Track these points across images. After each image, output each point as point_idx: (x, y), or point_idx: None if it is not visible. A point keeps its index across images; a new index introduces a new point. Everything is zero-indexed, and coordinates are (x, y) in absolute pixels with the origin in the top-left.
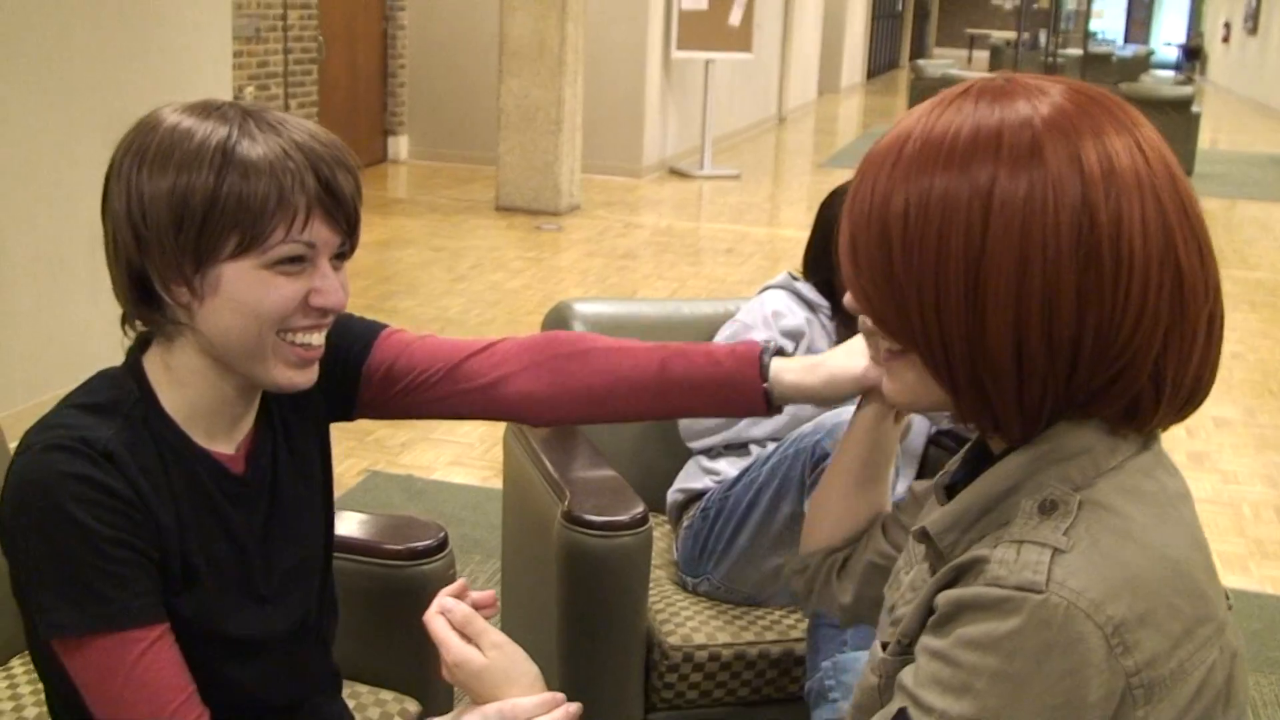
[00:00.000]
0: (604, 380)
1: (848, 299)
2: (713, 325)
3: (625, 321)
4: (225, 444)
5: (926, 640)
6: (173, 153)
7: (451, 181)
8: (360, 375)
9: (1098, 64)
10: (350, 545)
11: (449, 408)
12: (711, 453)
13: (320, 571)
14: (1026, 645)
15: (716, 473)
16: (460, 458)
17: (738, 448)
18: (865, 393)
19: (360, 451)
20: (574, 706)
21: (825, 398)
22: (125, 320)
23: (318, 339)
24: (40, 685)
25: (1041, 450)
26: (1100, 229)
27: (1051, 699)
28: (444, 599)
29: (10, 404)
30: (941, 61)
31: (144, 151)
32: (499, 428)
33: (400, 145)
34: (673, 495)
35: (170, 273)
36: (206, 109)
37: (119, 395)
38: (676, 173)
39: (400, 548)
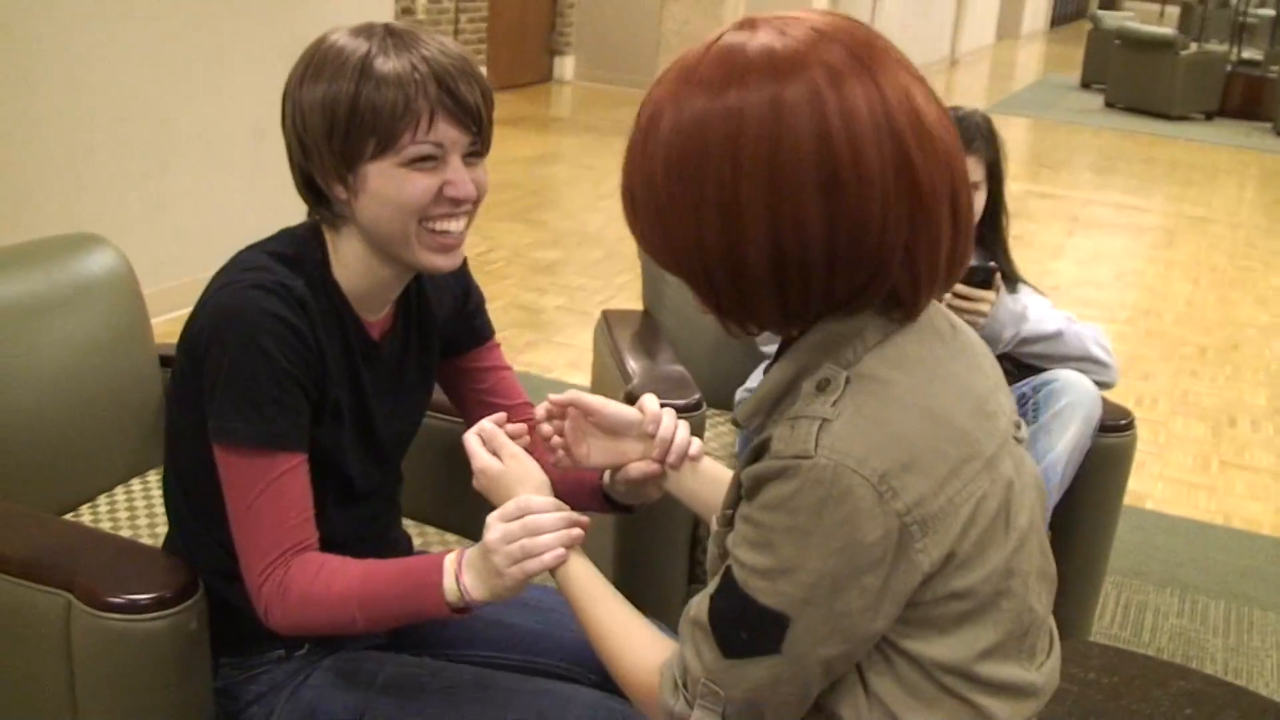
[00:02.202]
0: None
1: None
2: None
3: None
4: (370, 312)
5: (741, 509)
6: (324, 68)
7: (611, 104)
8: (460, 350)
9: None
10: (435, 405)
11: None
12: None
13: (407, 443)
14: (805, 502)
15: None
16: (578, 360)
17: None
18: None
19: None
20: (580, 517)
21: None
22: (309, 214)
23: (455, 226)
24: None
25: (819, 338)
26: (840, 156)
27: (833, 543)
28: (482, 422)
29: (162, 279)
30: (1124, 14)
31: (305, 69)
32: None
33: (566, 66)
34: (740, 395)
35: (329, 174)
36: (359, 31)
37: (305, 253)
38: None
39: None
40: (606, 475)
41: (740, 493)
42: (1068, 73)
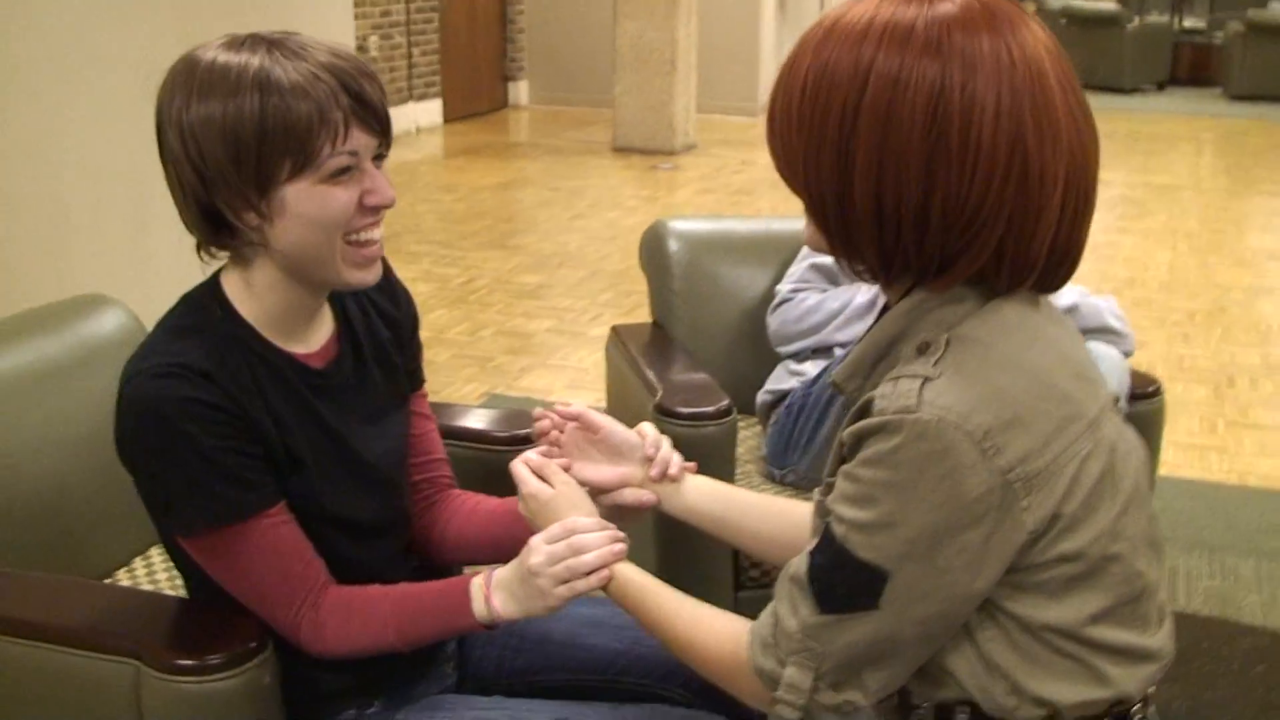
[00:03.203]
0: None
1: None
2: (800, 241)
3: (717, 239)
4: (302, 345)
5: (843, 467)
6: (215, 87)
7: (570, 124)
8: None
9: None
10: (465, 434)
11: None
12: (799, 356)
13: (405, 464)
14: (908, 457)
15: (803, 374)
16: (576, 381)
17: (824, 351)
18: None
19: (481, 376)
20: (622, 535)
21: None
22: (200, 249)
23: (376, 233)
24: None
25: (918, 300)
26: (952, 112)
27: (935, 498)
28: (527, 453)
29: None
30: None
31: (188, 90)
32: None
33: (520, 91)
34: (762, 396)
35: (238, 202)
36: (233, 44)
37: (203, 316)
38: None
39: (506, 434)
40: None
41: (843, 454)
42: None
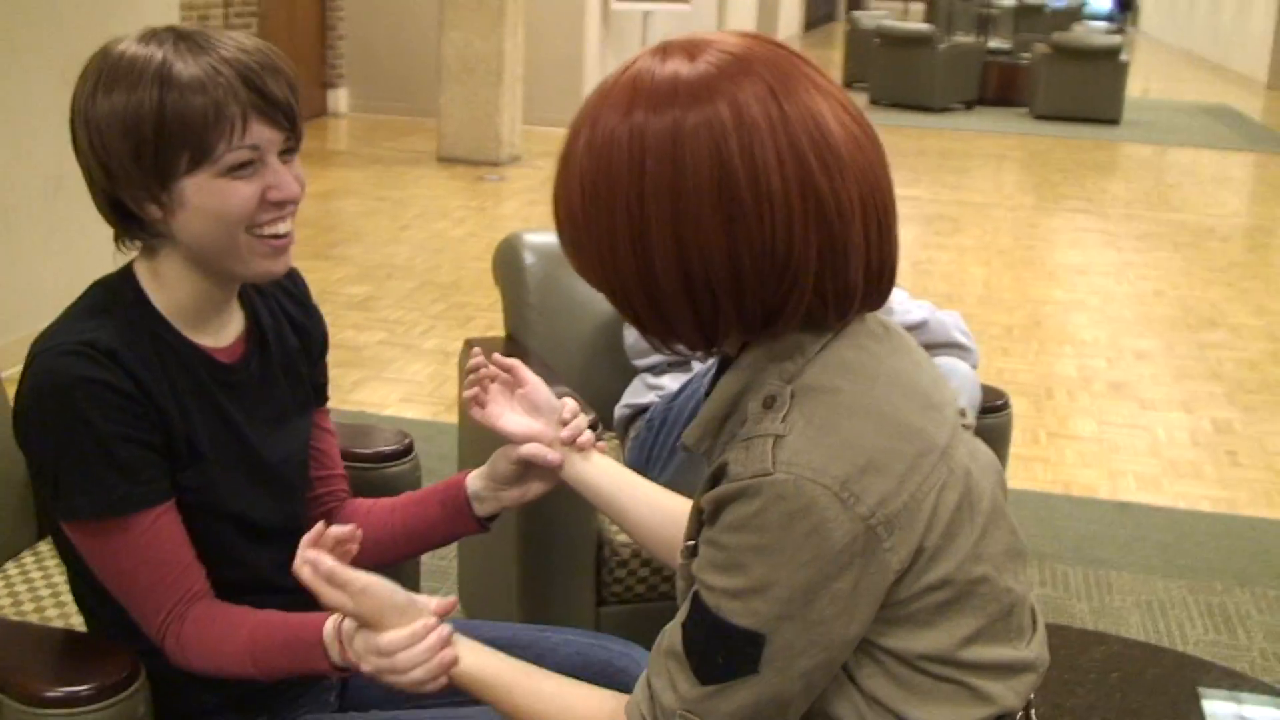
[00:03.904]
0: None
1: None
2: None
3: None
4: (212, 339)
5: (704, 533)
6: (117, 80)
7: (392, 134)
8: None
9: (1030, 15)
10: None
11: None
12: (656, 370)
13: (305, 469)
14: (771, 519)
15: (661, 388)
16: (411, 395)
17: (680, 364)
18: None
19: None
20: (445, 629)
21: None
22: (117, 239)
23: (284, 227)
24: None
25: (756, 355)
26: (734, 168)
27: (803, 555)
28: (306, 551)
29: None
30: (877, 13)
31: (95, 84)
32: (450, 366)
33: (340, 98)
34: (620, 410)
35: (140, 195)
36: (146, 37)
37: (114, 298)
38: None
39: (369, 451)
40: (474, 482)
41: (701, 519)
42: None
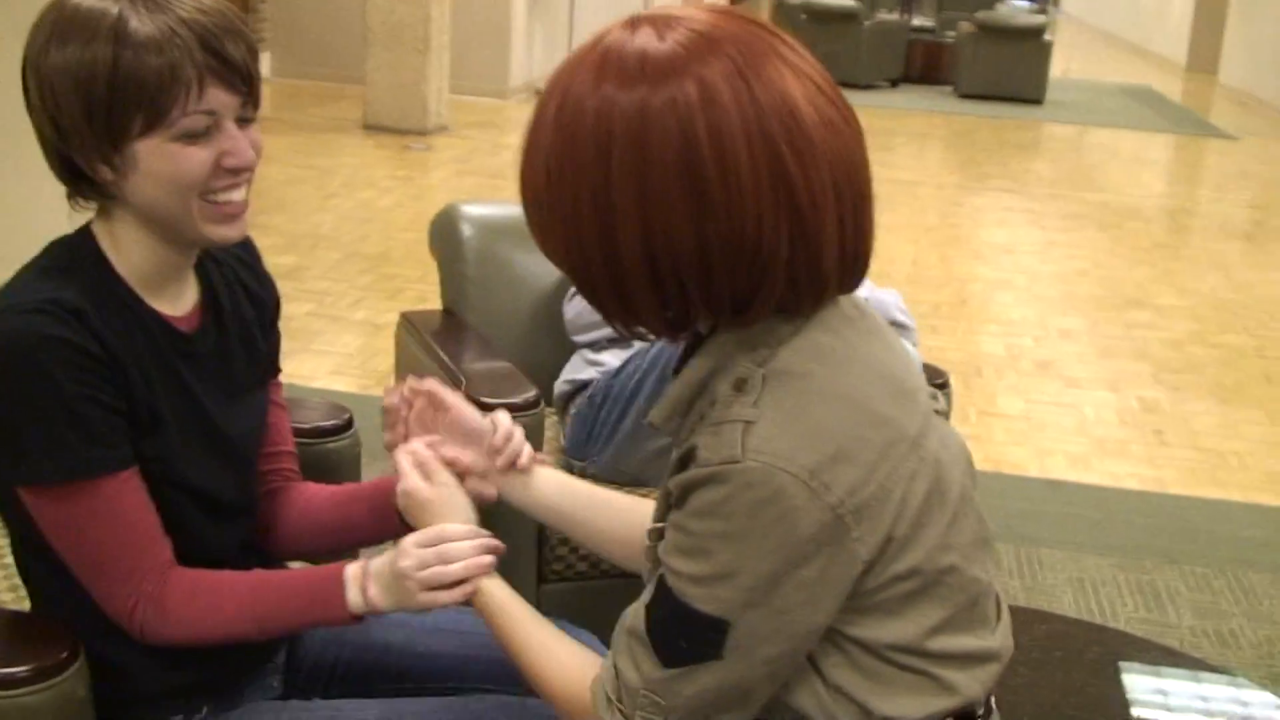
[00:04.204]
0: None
1: None
2: None
3: (511, 224)
4: (171, 306)
5: (670, 515)
6: (71, 34)
7: (316, 100)
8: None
9: None
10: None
11: None
12: (596, 345)
13: (260, 443)
14: (739, 506)
15: (601, 364)
16: (340, 367)
17: (621, 340)
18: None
19: None
20: (496, 542)
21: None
22: (70, 198)
23: (238, 195)
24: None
25: (728, 336)
26: (701, 150)
27: (769, 544)
28: (414, 443)
29: None
30: None
31: (49, 37)
32: (380, 338)
33: (263, 63)
34: (560, 386)
35: (91, 155)
36: None
37: (75, 258)
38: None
39: (308, 426)
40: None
41: (670, 502)
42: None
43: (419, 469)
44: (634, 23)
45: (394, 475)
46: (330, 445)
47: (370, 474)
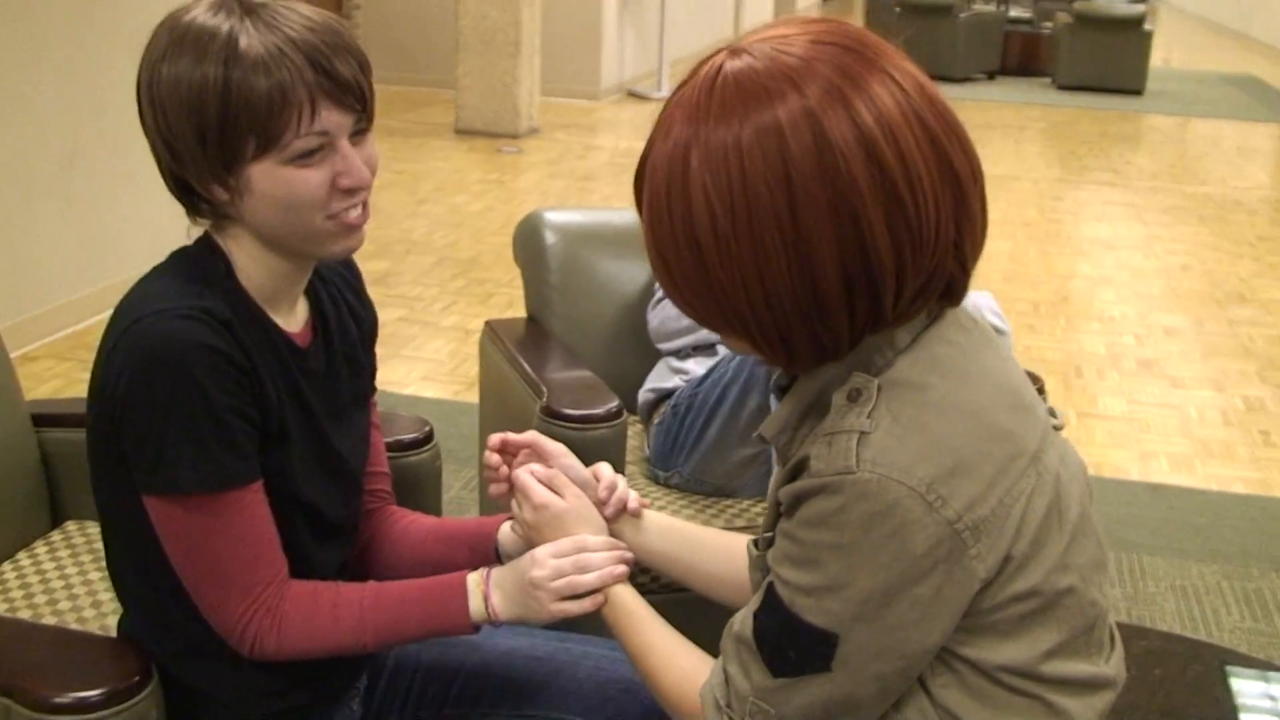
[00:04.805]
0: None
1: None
2: None
3: (595, 231)
4: (287, 321)
5: (780, 524)
6: (181, 53)
7: (409, 105)
8: None
9: None
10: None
11: None
12: (681, 354)
13: (364, 464)
14: (852, 518)
15: (685, 372)
16: (431, 373)
17: (705, 348)
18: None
19: None
20: (629, 553)
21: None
22: (188, 214)
23: (356, 213)
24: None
25: None
26: (892, 172)
27: (882, 558)
28: (532, 465)
29: None
30: None
31: (162, 54)
32: (470, 344)
33: None
34: (644, 395)
35: (205, 177)
36: (215, 4)
37: (210, 269)
38: (634, 95)
39: (389, 440)
40: (505, 536)
41: (779, 511)
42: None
43: (545, 485)
44: (736, 50)
45: (496, 516)
46: (412, 459)
47: (452, 485)
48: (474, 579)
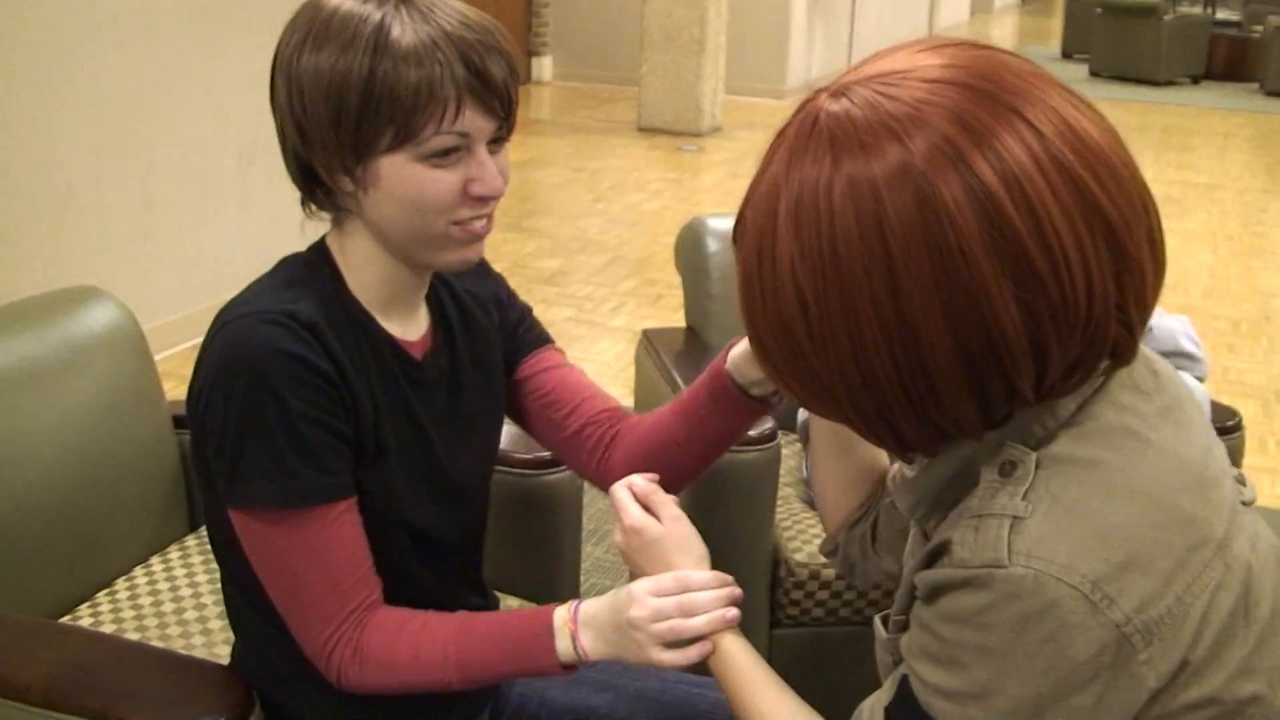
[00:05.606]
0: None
1: None
2: None
3: None
4: (402, 329)
5: (916, 610)
6: (328, 37)
7: (594, 102)
8: (511, 366)
9: None
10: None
11: (548, 440)
12: None
13: (487, 482)
14: (1001, 618)
15: None
16: (595, 376)
17: None
18: None
19: None
20: (739, 592)
21: None
22: (303, 204)
23: (481, 223)
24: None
25: None
26: (1017, 233)
27: (1036, 665)
28: (633, 477)
29: (155, 317)
30: None
31: (305, 37)
32: (635, 348)
33: (544, 67)
34: (803, 414)
35: (333, 164)
36: None
37: (312, 273)
38: None
39: (529, 457)
40: (735, 359)
41: (914, 595)
42: (1044, 44)
43: (641, 503)
44: (837, 91)
45: (720, 354)
46: (550, 477)
47: (594, 506)
48: (561, 616)
